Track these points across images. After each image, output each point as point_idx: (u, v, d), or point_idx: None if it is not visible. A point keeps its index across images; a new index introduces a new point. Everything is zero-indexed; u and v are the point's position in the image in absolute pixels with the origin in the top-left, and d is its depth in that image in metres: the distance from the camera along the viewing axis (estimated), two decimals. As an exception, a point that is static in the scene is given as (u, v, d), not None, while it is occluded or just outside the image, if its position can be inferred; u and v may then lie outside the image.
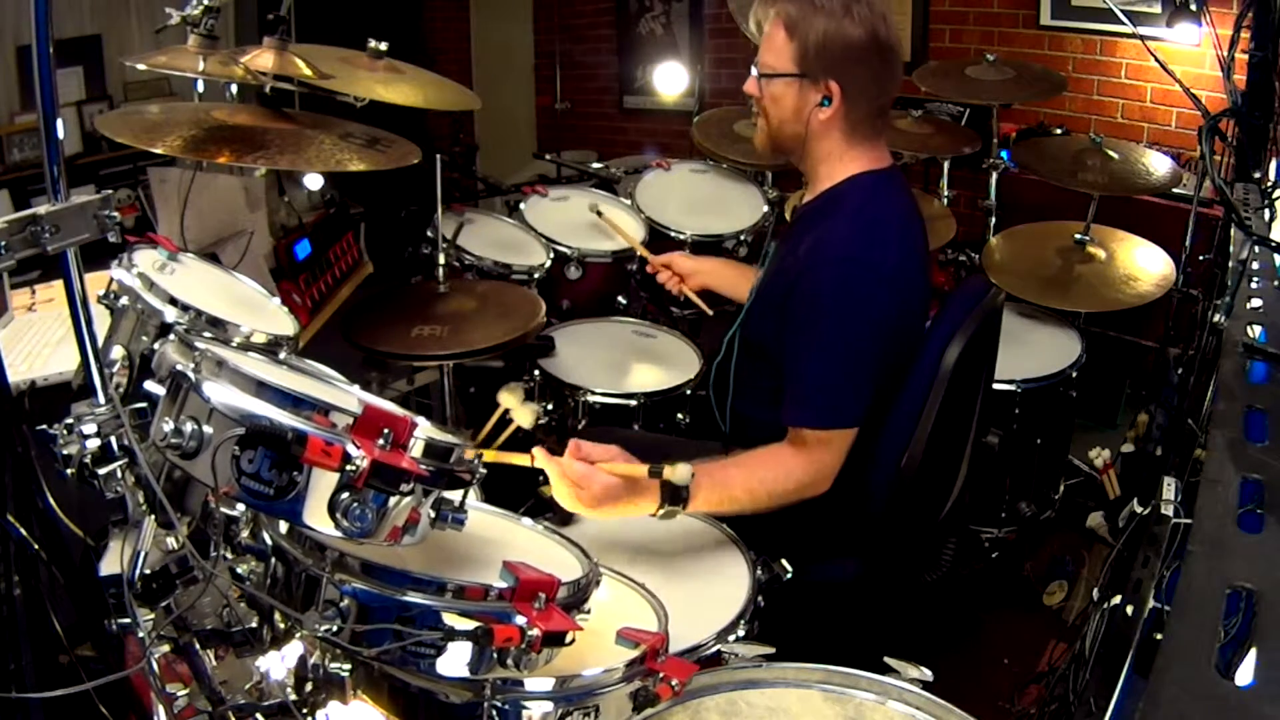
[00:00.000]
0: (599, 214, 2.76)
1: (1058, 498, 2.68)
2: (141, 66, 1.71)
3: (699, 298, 2.21)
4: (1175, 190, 2.93)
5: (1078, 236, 2.73)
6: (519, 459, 1.51)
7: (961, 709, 1.10)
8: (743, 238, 2.79)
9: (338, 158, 1.51)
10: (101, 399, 1.21)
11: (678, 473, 1.39)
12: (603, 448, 1.48)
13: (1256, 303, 1.54)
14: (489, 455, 1.55)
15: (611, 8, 5.72)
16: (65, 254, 1.17)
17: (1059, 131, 3.60)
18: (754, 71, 1.69)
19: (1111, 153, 2.72)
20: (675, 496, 1.47)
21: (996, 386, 2.25)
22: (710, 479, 1.51)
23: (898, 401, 1.66)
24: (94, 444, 1.17)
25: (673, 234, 2.77)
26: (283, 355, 1.32)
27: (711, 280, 2.17)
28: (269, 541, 1.10)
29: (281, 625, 1.19)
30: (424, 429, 1.02)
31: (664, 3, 5.46)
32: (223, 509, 1.21)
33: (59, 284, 1.21)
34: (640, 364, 2.44)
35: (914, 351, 1.68)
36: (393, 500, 0.98)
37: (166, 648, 1.24)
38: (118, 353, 1.39)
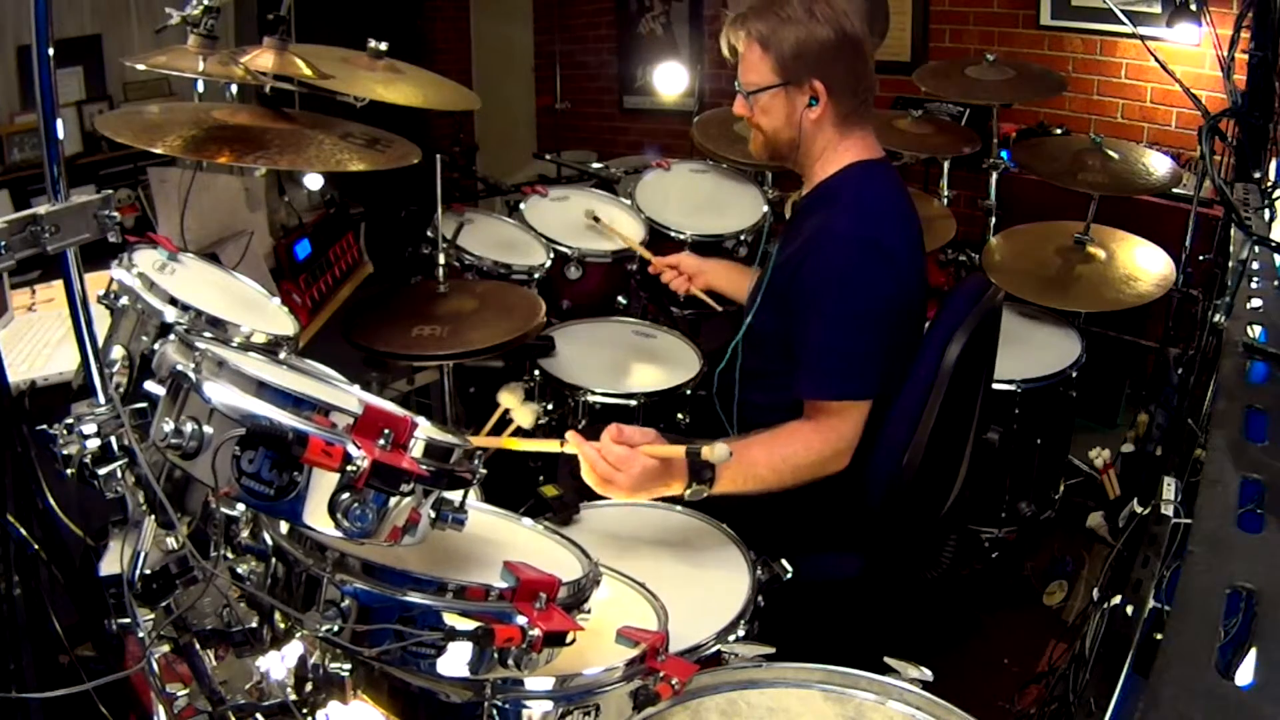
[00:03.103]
0: (595, 219, 2.77)
1: (1058, 498, 2.68)
2: (141, 66, 1.71)
3: (708, 296, 2.22)
4: (1175, 190, 2.93)
5: (1078, 236, 2.73)
6: (549, 445, 1.52)
7: (961, 709, 1.10)
8: (743, 238, 2.78)
9: (338, 158, 1.52)
10: (101, 399, 1.21)
11: (716, 452, 1.40)
12: (640, 431, 1.50)
13: (1256, 303, 1.54)
14: (515, 444, 1.57)
15: (611, 8, 5.72)
16: (65, 254, 1.17)
17: (1059, 131, 3.60)
18: (739, 91, 1.76)
19: (1111, 153, 2.72)
20: (703, 474, 1.50)
21: (996, 386, 2.25)
22: (736, 459, 1.52)
23: (899, 400, 1.67)
24: (94, 444, 1.18)
25: (673, 234, 2.77)
26: (283, 355, 1.32)
27: (716, 280, 2.19)
28: (269, 541, 1.10)
29: (281, 625, 1.19)
30: (424, 429, 1.02)
31: (664, 3, 5.46)
32: (223, 509, 1.20)
33: (59, 284, 1.21)
34: (640, 364, 2.44)
35: (915, 341, 1.69)
36: (393, 500, 0.98)
37: (166, 648, 1.24)
38: (118, 353, 1.39)
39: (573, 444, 1.49)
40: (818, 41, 1.65)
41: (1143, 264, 2.67)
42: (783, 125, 1.73)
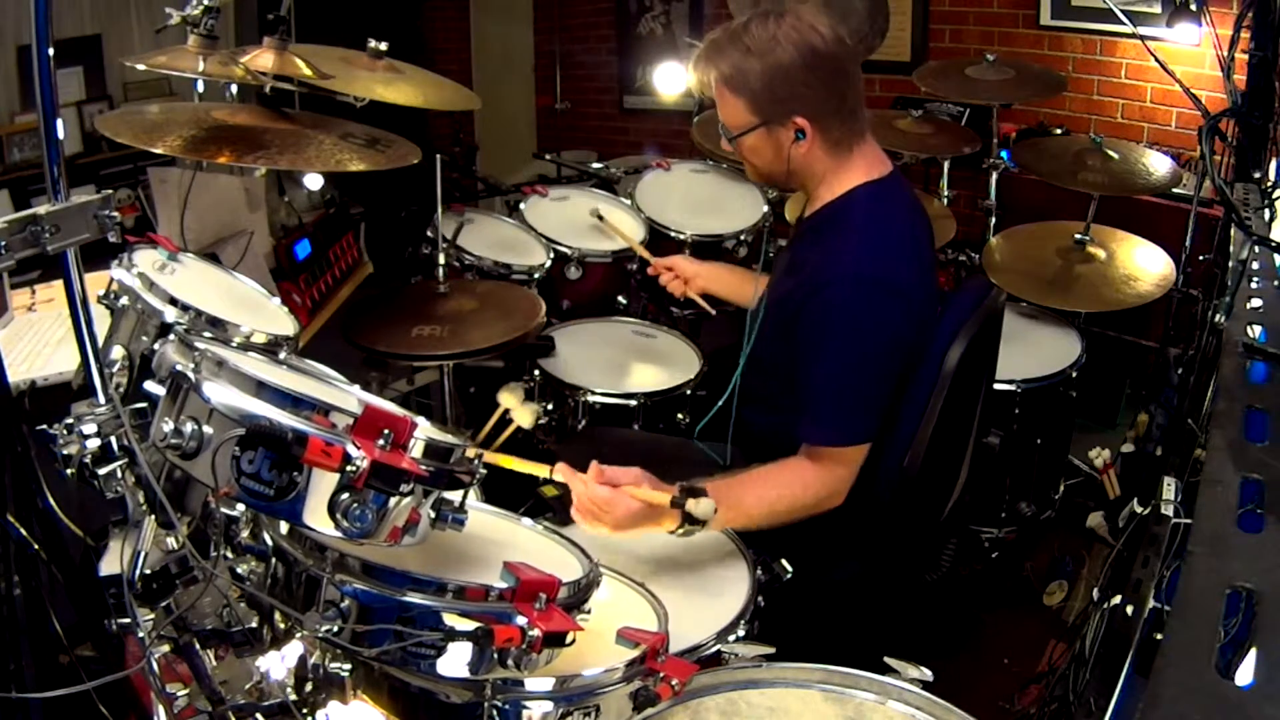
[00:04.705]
0: (600, 218, 2.77)
1: (1058, 498, 2.68)
2: (141, 66, 1.71)
3: (703, 299, 2.21)
4: (1175, 190, 2.93)
5: (1078, 236, 2.73)
6: (538, 469, 1.49)
7: (961, 709, 1.10)
8: (743, 238, 2.79)
9: (338, 158, 1.51)
10: (101, 399, 1.21)
11: (700, 508, 1.38)
12: (625, 471, 1.46)
13: (1256, 303, 1.54)
14: (505, 462, 1.52)
15: (611, 8, 5.72)
16: (65, 254, 1.17)
17: (1059, 131, 3.60)
18: (723, 134, 1.68)
19: (1111, 153, 2.72)
20: (694, 518, 1.46)
21: (997, 386, 2.25)
22: (727, 497, 1.49)
23: (901, 403, 1.66)
24: (94, 444, 1.17)
25: (673, 234, 2.77)
26: (283, 355, 1.32)
27: (712, 284, 2.16)
28: (269, 541, 1.10)
29: (281, 625, 1.19)
30: (424, 429, 1.02)
31: (664, 3, 5.46)
32: (223, 509, 1.20)
33: (59, 284, 1.21)
34: (640, 364, 2.44)
35: (920, 355, 1.67)
36: (393, 501, 0.98)
37: (166, 648, 1.24)
38: (118, 353, 1.39)
39: (562, 475, 1.46)
40: (786, 71, 1.53)
41: (1143, 264, 2.67)
42: (773, 160, 1.65)
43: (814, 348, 1.59)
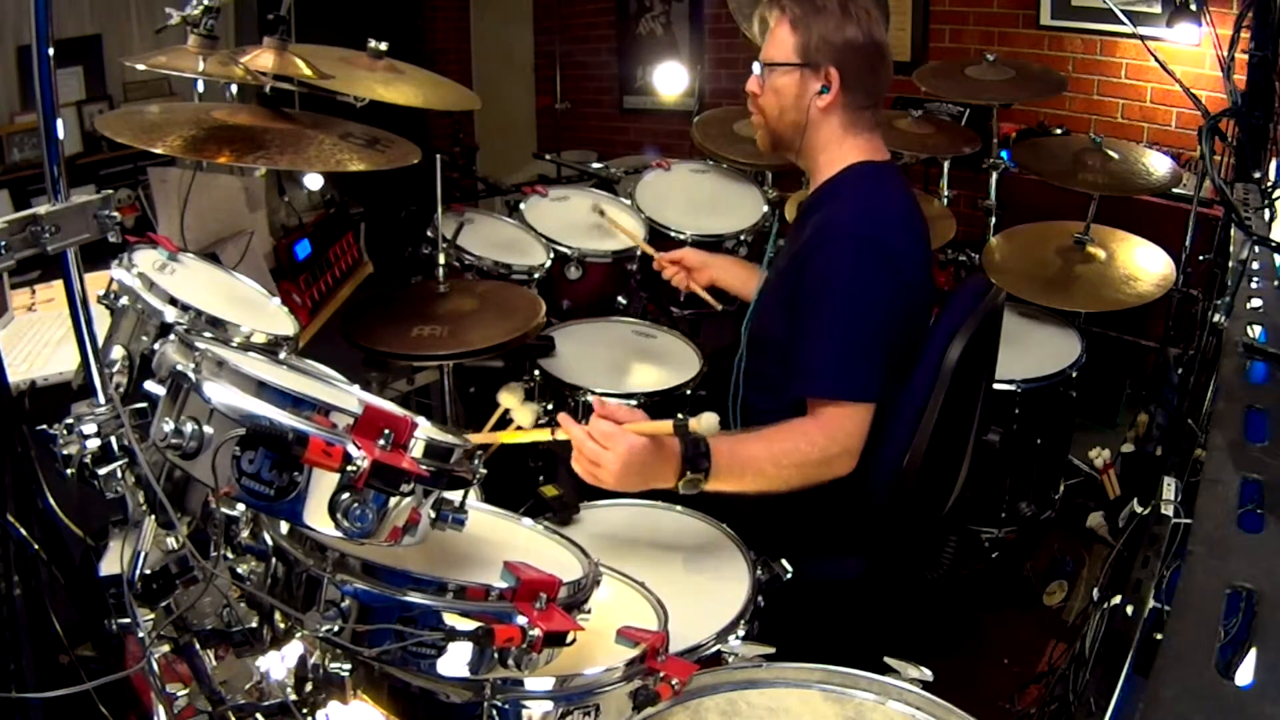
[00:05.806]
0: (601, 213, 2.77)
1: (1058, 498, 2.68)
2: (141, 66, 1.71)
3: (708, 293, 2.22)
4: (1175, 190, 2.93)
5: (1078, 236, 2.73)
6: (541, 435, 1.52)
7: (961, 709, 1.10)
8: (743, 238, 2.79)
9: (338, 158, 1.51)
10: (101, 399, 1.21)
11: (704, 423, 1.35)
12: (627, 409, 1.47)
13: (1256, 303, 1.54)
14: (508, 437, 1.58)
15: (611, 8, 5.72)
16: (65, 254, 1.17)
17: (1059, 131, 3.60)
18: (756, 68, 1.77)
19: (1111, 153, 2.72)
20: (698, 461, 1.46)
21: (997, 386, 2.25)
22: (732, 451, 1.50)
23: (900, 400, 1.66)
24: (94, 444, 1.17)
25: (673, 234, 2.77)
26: (283, 355, 1.32)
27: (720, 275, 2.18)
28: (269, 541, 1.10)
29: (281, 625, 1.19)
30: (424, 429, 1.02)
31: (664, 3, 5.47)
32: (223, 509, 1.21)
33: (59, 284, 1.21)
34: (640, 364, 2.44)
35: (918, 344, 1.69)
36: (393, 500, 0.98)
37: (166, 648, 1.24)
38: (118, 353, 1.39)
39: (563, 426, 1.46)
40: (845, 35, 1.69)
41: (1143, 264, 2.67)
42: (790, 105, 1.74)
43: (811, 304, 1.64)
